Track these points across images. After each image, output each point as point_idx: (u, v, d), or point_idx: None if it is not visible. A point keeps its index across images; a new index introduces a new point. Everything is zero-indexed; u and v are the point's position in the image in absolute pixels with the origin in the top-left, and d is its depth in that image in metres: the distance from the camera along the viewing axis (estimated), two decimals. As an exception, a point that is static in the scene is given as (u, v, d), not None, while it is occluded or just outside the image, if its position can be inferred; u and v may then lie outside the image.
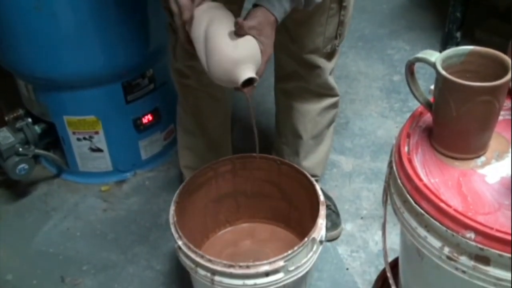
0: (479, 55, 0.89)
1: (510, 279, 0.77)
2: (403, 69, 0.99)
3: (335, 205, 1.73)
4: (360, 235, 1.71)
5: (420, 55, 0.91)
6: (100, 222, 1.80)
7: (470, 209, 0.82)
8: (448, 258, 0.81)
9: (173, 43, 1.45)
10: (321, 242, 1.28)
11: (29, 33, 1.61)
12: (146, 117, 1.88)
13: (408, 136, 0.95)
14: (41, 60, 1.66)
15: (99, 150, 1.87)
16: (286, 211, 1.55)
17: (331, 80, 1.55)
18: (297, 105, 1.59)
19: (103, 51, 1.67)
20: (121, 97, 1.79)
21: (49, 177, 1.97)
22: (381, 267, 1.51)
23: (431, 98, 0.95)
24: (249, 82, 1.06)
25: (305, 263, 1.24)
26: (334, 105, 1.62)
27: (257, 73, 1.07)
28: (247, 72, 1.05)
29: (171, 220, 1.31)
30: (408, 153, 0.92)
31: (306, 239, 1.24)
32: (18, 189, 1.92)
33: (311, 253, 1.26)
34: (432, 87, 0.92)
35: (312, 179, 1.41)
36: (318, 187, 1.38)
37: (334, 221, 1.68)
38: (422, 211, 0.84)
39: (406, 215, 0.88)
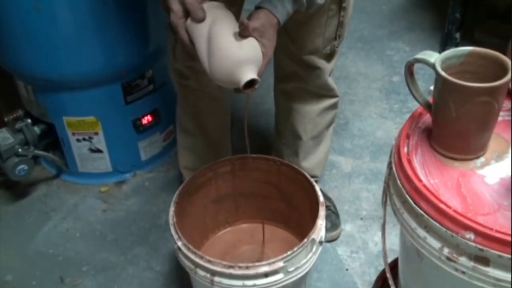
0: (479, 56, 0.89)
1: (510, 279, 0.77)
2: (402, 70, 0.99)
3: (334, 206, 1.74)
4: (359, 236, 1.71)
5: (420, 56, 0.91)
6: (99, 223, 1.80)
7: (469, 210, 0.82)
8: (448, 258, 0.81)
9: (172, 43, 1.45)
10: (320, 242, 1.28)
11: (28, 34, 1.61)
12: (146, 118, 1.88)
13: (408, 137, 0.95)
14: (41, 60, 1.66)
15: (98, 151, 1.87)
16: (286, 211, 1.55)
17: (331, 81, 1.55)
18: (297, 106, 1.59)
19: (103, 52, 1.67)
20: (121, 98, 1.79)
21: (49, 178, 1.97)
22: (380, 268, 1.51)
23: (430, 99, 0.95)
24: (250, 83, 1.06)
25: (304, 263, 1.24)
26: (334, 106, 1.62)
27: (257, 75, 1.08)
28: (250, 73, 1.04)
29: (170, 221, 1.31)
30: (408, 153, 0.92)
31: (305, 239, 1.24)
32: (17, 190, 1.92)
33: (310, 254, 1.26)
34: (432, 88, 0.92)
35: (312, 179, 1.41)
36: (317, 187, 1.38)
37: (333, 222, 1.69)
38: (422, 212, 0.84)
39: (406, 215, 0.88)
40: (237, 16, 1.35)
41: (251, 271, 1.19)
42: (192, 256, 1.23)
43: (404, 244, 1.01)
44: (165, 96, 1.89)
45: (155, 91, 1.86)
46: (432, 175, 0.88)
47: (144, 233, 1.76)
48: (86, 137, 1.83)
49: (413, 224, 0.86)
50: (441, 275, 0.84)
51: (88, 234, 1.77)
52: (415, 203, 0.85)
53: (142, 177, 1.96)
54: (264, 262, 1.19)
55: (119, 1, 1.62)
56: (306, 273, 1.27)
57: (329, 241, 1.67)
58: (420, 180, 0.86)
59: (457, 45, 2.34)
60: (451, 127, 0.89)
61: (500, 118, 0.91)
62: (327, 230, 1.40)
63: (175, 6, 1.07)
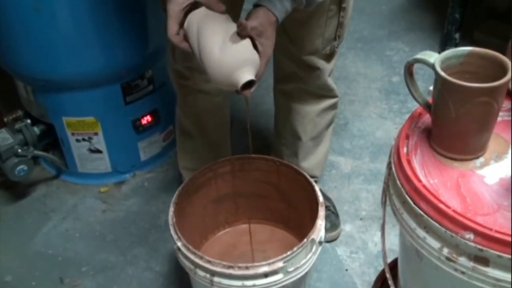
0: (478, 56, 0.89)
1: (509, 280, 0.77)
2: (402, 70, 0.99)
3: (334, 206, 1.74)
4: (359, 236, 1.71)
5: (419, 56, 0.91)
6: (99, 223, 1.80)
7: (469, 210, 0.82)
8: (447, 259, 0.81)
9: (172, 44, 1.45)
10: (320, 243, 1.28)
11: (28, 34, 1.61)
12: (145, 118, 1.88)
13: (407, 137, 0.95)
14: (40, 61, 1.66)
15: (98, 151, 1.87)
16: (285, 212, 1.55)
17: (330, 81, 1.55)
18: (296, 106, 1.59)
19: (102, 52, 1.67)
20: (120, 98, 1.79)
21: (48, 178, 1.97)
22: (380, 268, 1.51)
23: (430, 99, 0.95)
24: (248, 84, 1.06)
25: (304, 264, 1.24)
26: (333, 106, 1.62)
27: (256, 75, 1.07)
28: (246, 75, 1.04)
29: (170, 221, 1.31)
30: (407, 154, 0.92)
31: (305, 240, 1.24)
32: (17, 190, 1.92)
33: (310, 254, 1.26)
34: (431, 88, 0.92)
35: (311, 180, 1.41)
36: (317, 188, 1.38)
37: (333, 222, 1.69)
38: (421, 212, 0.84)
39: (405, 216, 0.88)
40: (237, 16, 1.35)
41: (250, 271, 1.19)
42: (191, 257, 1.23)
43: (403, 244, 1.01)
44: (164, 96, 1.89)
45: (154, 92, 1.86)
46: (432, 175, 0.88)
47: (143, 233, 1.76)
48: (86, 138, 1.83)
49: (413, 224, 0.86)
50: (441, 275, 0.84)
51: (87, 234, 1.77)
52: (414, 203, 0.85)
53: (141, 178, 1.96)
54: (263, 262, 1.19)
55: (118, 2, 1.62)
56: (306, 273, 1.27)
57: (328, 241, 1.67)
58: (419, 180, 0.86)
59: (456, 46, 2.34)
60: (451, 127, 0.89)
61: (499, 118, 0.91)
62: (326, 230, 1.40)
63: (171, 26, 1.08)
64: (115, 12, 1.63)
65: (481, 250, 0.77)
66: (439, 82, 0.87)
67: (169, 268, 1.65)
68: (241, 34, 1.05)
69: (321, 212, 1.31)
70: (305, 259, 1.24)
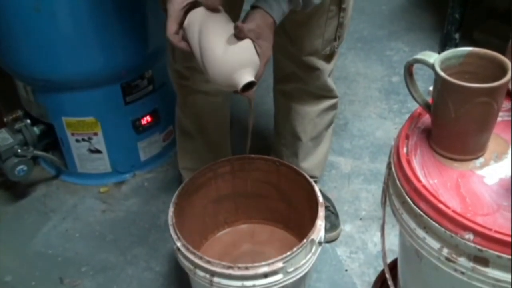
0: (478, 57, 0.89)
1: (509, 280, 0.77)
2: (402, 70, 0.99)
3: (334, 206, 1.73)
4: (359, 236, 1.71)
5: (419, 56, 0.91)
6: (99, 224, 1.80)
7: (469, 210, 0.82)
8: (447, 259, 0.81)
9: (170, 43, 1.45)
10: (320, 243, 1.28)
11: (28, 34, 1.61)
12: (145, 118, 1.88)
13: (407, 137, 0.96)
14: (40, 61, 1.66)
15: (98, 151, 1.87)
16: (285, 212, 1.55)
17: (330, 81, 1.55)
18: (296, 107, 1.59)
19: (102, 52, 1.67)
20: (120, 98, 1.79)
21: (48, 179, 1.97)
22: (380, 268, 1.51)
23: (429, 99, 0.95)
24: (248, 86, 1.06)
25: (304, 264, 1.24)
26: (333, 107, 1.62)
27: (256, 76, 1.07)
28: (246, 77, 1.04)
29: (170, 221, 1.31)
30: (407, 154, 0.92)
31: (305, 240, 1.24)
32: (17, 190, 1.92)
33: (310, 254, 1.26)
34: (431, 88, 0.92)
35: (311, 180, 1.41)
36: (317, 188, 1.38)
37: (333, 222, 1.68)
38: (421, 212, 0.84)
39: (405, 216, 0.88)
40: (236, 17, 1.35)
41: (250, 272, 1.19)
42: (191, 257, 1.23)
43: (403, 245, 1.01)
44: (164, 96, 1.89)
45: (154, 92, 1.86)
46: (432, 175, 0.88)
47: (143, 233, 1.76)
48: (86, 138, 1.83)
49: (412, 225, 0.86)
50: (441, 276, 0.84)
51: (87, 234, 1.77)
52: (414, 203, 0.85)
53: (141, 178, 1.96)
54: (263, 263, 1.19)
55: (118, 2, 1.62)
56: (306, 274, 1.27)
57: (328, 241, 1.67)
58: (419, 181, 0.86)
59: (456, 46, 2.34)
60: (450, 127, 0.89)
61: (499, 119, 0.92)
62: (326, 230, 1.40)
63: (171, 26, 1.08)
64: (115, 12, 1.63)
65: (480, 250, 0.77)
66: (439, 82, 0.87)
67: (169, 268, 1.65)
68: (238, 36, 1.05)
69: (321, 212, 1.31)
70: (304, 259, 1.24)
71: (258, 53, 1.07)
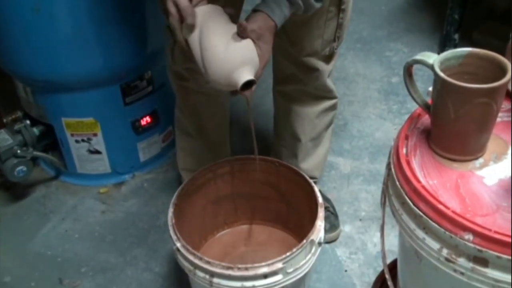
0: (477, 57, 0.89)
1: (509, 280, 0.77)
2: (401, 71, 0.99)
3: (333, 207, 1.73)
4: (358, 237, 1.71)
5: (418, 57, 0.91)
6: (98, 224, 1.80)
7: (468, 210, 0.82)
8: (447, 259, 0.81)
9: (171, 45, 1.45)
10: (319, 244, 1.28)
11: (27, 35, 1.61)
12: (145, 119, 1.88)
13: (407, 137, 0.96)
14: (40, 62, 1.66)
15: (97, 152, 1.87)
16: (285, 213, 1.55)
17: (330, 82, 1.55)
18: (296, 108, 1.59)
19: (102, 53, 1.67)
20: (120, 99, 1.79)
21: (48, 179, 1.97)
22: (379, 269, 1.51)
23: (429, 100, 0.95)
24: (248, 84, 1.06)
25: (303, 265, 1.24)
26: (333, 107, 1.62)
27: (254, 77, 1.08)
28: (246, 75, 1.05)
29: (169, 222, 1.31)
30: (407, 154, 0.92)
31: (304, 241, 1.24)
32: (16, 191, 1.91)
33: (309, 255, 1.26)
34: (430, 89, 0.92)
35: (311, 181, 1.41)
36: (316, 189, 1.38)
37: (332, 223, 1.68)
38: (421, 213, 0.84)
39: (405, 217, 0.88)
40: (236, 17, 1.35)
41: (250, 272, 1.19)
42: (191, 257, 1.23)
43: (403, 245, 1.01)
44: (164, 97, 1.89)
45: (154, 92, 1.86)
46: (431, 176, 0.88)
47: (143, 234, 1.76)
48: (85, 138, 1.83)
49: (412, 225, 0.86)
50: (440, 276, 0.84)
51: (87, 235, 1.77)
52: (414, 204, 0.85)
53: (141, 178, 1.96)
54: (263, 263, 1.19)
55: (117, 2, 1.62)
56: (305, 274, 1.27)
57: (328, 242, 1.67)
58: (419, 181, 0.86)
59: (455, 46, 2.34)
60: (450, 128, 0.89)
61: (498, 119, 0.92)
62: (326, 231, 1.40)
63: (172, 9, 1.07)
64: (114, 13, 1.63)
65: (480, 251, 0.77)
66: (438, 83, 0.87)
67: (169, 269, 1.64)
68: (241, 35, 1.05)
69: (321, 213, 1.31)
70: (304, 260, 1.24)
71: (257, 54, 1.07)
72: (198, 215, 1.50)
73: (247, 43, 1.06)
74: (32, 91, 1.80)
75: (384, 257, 1.06)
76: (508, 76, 0.84)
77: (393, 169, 0.92)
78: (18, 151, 1.77)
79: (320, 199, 1.35)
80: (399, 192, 0.89)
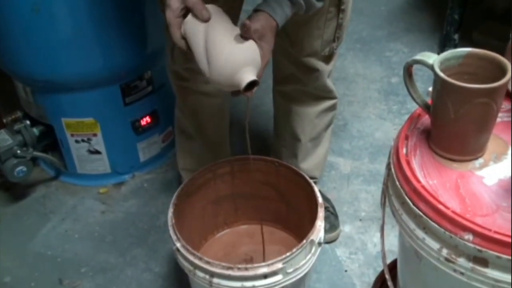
0: (477, 57, 0.89)
1: (509, 280, 0.77)
2: (401, 71, 0.99)
3: (333, 207, 1.74)
4: (358, 237, 1.71)
5: (418, 57, 0.91)
6: (98, 225, 1.80)
7: (468, 210, 0.82)
8: (446, 259, 0.81)
9: (171, 45, 1.45)
10: (319, 244, 1.28)
11: (27, 35, 1.61)
12: (145, 119, 1.88)
13: (406, 138, 0.96)
14: (40, 62, 1.66)
15: (97, 152, 1.87)
16: (285, 213, 1.55)
17: (329, 82, 1.55)
18: (296, 108, 1.59)
19: (101, 53, 1.67)
20: (120, 99, 1.79)
21: (47, 179, 1.97)
22: (379, 269, 1.51)
23: (429, 100, 0.95)
24: (250, 85, 1.06)
25: (303, 265, 1.24)
26: (332, 108, 1.62)
27: (256, 77, 1.07)
28: (249, 75, 1.04)
29: (169, 222, 1.31)
30: (406, 155, 0.92)
31: (304, 241, 1.24)
32: (16, 191, 1.91)
33: (309, 255, 1.26)
34: (430, 89, 0.92)
35: (311, 181, 1.41)
36: (316, 189, 1.38)
37: (332, 223, 1.69)
38: (420, 213, 0.84)
39: (404, 217, 0.88)
40: (236, 17, 1.35)
41: (250, 273, 1.19)
42: (191, 258, 1.23)
43: (402, 245, 1.01)
44: (164, 97, 1.90)
45: (154, 93, 1.86)
46: (431, 176, 0.88)
47: (142, 234, 1.76)
48: (85, 139, 1.83)
49: (412, 225, 0.86)
50: (440, 276, 0.84)
51: (86, 235, 1.77)
52: (413, 204, 0.85)
53: (140, 179, 1.96)
54: (263, 264, 1.19)
55: (117, 3, 1.62)
56: (305, 275, 1.27)
57: (328, 242, 1.67)
58: (418, 181, 0.86)
59: (455, 46, 2.34)
60: (450, 128, 0.89)
61: (498, 119, 0.92)
62: (326, 231, 1.40)
63: (174, 4, 1.06)
64: (114, 13, 1.63)
65: (480, 251, 0.77)
66: (438, 83, 0.87)
67: (168, 269, 1.64)
68: (245, 35, 1.05)
69: (320, 213, 1.31)
70: (304, 260, 1.24)
71: (259, 54, 1.07)
72: (198, 215, 1.50)
73: (250, 44, 1.06)
74: (32, 91, 1.80)
75: (384, 257, 1.06)
76: (508, 76, 0.84)
77: (393, 169, 0.92)
78: (18, 151, 1.77)
79: (320, 199, 1.35)
80: (399, 192, 0.89)
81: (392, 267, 1.11)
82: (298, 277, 1.24)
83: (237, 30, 1.07)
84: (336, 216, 1.72)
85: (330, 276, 1.60)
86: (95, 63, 1.68)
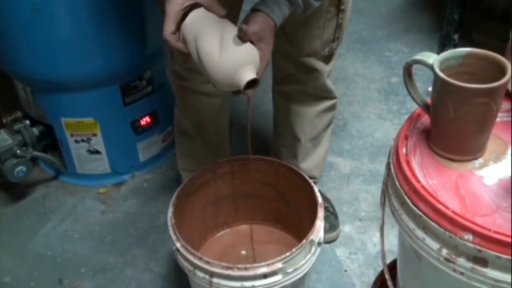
0: (477, 57, 0.89)
1: (508, 280, 0.77)
2: (401, 71, 0.99)
3: (333, 207, 1.74)
4: (358, 237, 1.71)
5: (418, 57, 0.91)
6: (98, 224, 1.80)
7: (468, 210, 0.82)
8: (446, 259, 0.81)
9: (167, 44, 1.44)
10: (319, 244, 1.28)
11: (27, 35, 1.61)
12: (144, 119, 1.88)
13: (406, 138, 0.96)
14: (39, 62, 1.66)
15: (97, 152, 1.87)
16: (284, 213, 1.55)
17: (329, 82, 1.55)
18: (295, 108, 1.59)
19: (101, 53, 1.67)
20: (119, 99, 1.79)
21: (47, 179, 1.97)
22: (379, 269, 1.51)
23: (429, 100, 0.95)
24: (251, 84, 1.06)
25: (303, 265, 1.24)
26: (332, 108, 1.62)
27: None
28: (249, 74, 1.04)
29: (169, 222, 1.31)
30: (406, 154, 0.92)
31: (304, 241, 1.24)
32: (16, 191, 1.91)
33: (309, 255, 1.26)
34: (430, 89, 0.92)
35: (310, 181, 1.41)
36: (316, 189, 1.38)
37: (332, 223, 1.69)
38: (420, 213, 0.84)
39: (404, 216, 0.88)
40: (235, 17, 1.35)
41: (249, 272, 1.19)
42: (190, 258, 1.23)
43: (402, 245, 1.01)
44: (163, 97, 1.89)
45: (153, 92, 1.86)
46: (431, 176, 0.88)
47: (142, 234, 1.76)
48: (85, 138, 1.83)
49: (412, 225, 0.86)
50: (440, 276, 0.84)
51: (86, 235, 1.77)
52: (413, 204, 0.85)
53: (140, 179, 1.96)
54: (262, 263, 1.19)
55: (117, 3, 1.62)
56: (305, 274, 1.27)
57: (327, 242, 1.67)
58: (418, 181, 0.86)
59: (455, 46, 2.34)
60: (450, 128, 0.89)
61: (498, 119, 0.92)
62: (325, 231, 1.40)
63: (168, 26, 1.07)
64: (114, 13, 1.63)
65: (480, 250, 0.77)
66: (438, 83, 0.87)
67: (168, 269, 1.64)
68: (243, 39, 1.05)
69: (320, 213, 1.31)
70: (304, 260, 1.24)
71: (259, 55, 1.07)
72: (198, 215, 1.50)
73: (248, 45, 1.06)
74: (31, 91, 1.80)
75: (383, 257, 1.06)
76: (507, 76, 0.84)
77: (392, 169, 0.92)
78: (18, 151, 1.77)
79: (319, 199, 1.35)
80: (399, 192, 0.89)
81: (392, 267, 1.11)
82: (298, 277, 1.24)
83: (232, 28, 1.07)
84: (336, 216, 1.72)
85: (330, 276, 1.60)
86: (95, 63, 1.68)
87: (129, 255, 1.70)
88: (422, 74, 2.09)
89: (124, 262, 1.68)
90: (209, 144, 1.66)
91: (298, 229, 1.47)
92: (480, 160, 0.91)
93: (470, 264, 0.79)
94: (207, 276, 1.21)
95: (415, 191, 0.85)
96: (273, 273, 1.20)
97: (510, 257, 0.75)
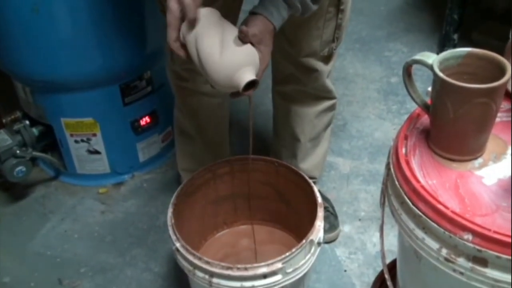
0: (477, 57, 0.89)
1: (508, 280, 0.77)
2: (400, 71, 0.99)
3: (333, 207, 1.74)
4: (358, 237, 1.71)
5: (418, 57, 0.91)
6: (98, 225, 1.80)
7: (467, 210, 0.82)
8: (446, 259, 0.81)
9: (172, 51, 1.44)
10: (319, 244, 1.28)
11: (27, 35, 1.61)
12: (144, 119, 1.88)
13: (406, 138, 0.96)
14: (39, 62, 1.66)
15: (96, 152, 1.87)
16: (284, 213, 1.55)
17: (329, 82, 1.55)
18: (295, 108, 1.59)
19: (101, 53, 1.67)
20: (119, 99, 1.79)
21: (47, 180, 1.97)
22: (379, 269, 1.51)
23: (428, 100, 0.95)
24: (250, 85, 1.06)
25: (303, 265, 1.24)
26: (332, 108, 1.62)
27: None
28: (248, 75, 1.04)
29: (169, 222, 1.31)
30: (406, 154, 0.92)
31: (304, 241, 1.24)
32: (15, 191, 1.91)
33: (309, 255, 1.26)
34: (430, 89, 0.92)
35: (310, 181, 1.41)
36: (316, 189, 1.38)
37: (332, 223, 1.69)
38: (420, 213, 0.84)
39: (404, 216, 0.88)
40: (235, 17, 1.35)
41: (249, 272, 1.19)
42: (190, 258, 1.23)
43: (402, 245, 1.01)
44: (163, 97, 1.89)
45: (153, 93, 1.86)
46: (430, 176, 0.89)
47: (142, 234, 1.76)
48: (84, 139, 1.83)
49: (411, 225, 0.86)
50: (439, 276, 0.84)
51: (86, 235, 1.77)
52: (413, 204, 0.85)
53: (140, 179, 1.96)
54: (262, 263, 1.19)
55: (117, 3, 1.62)
56: (305, 274, 1.27)
57: (327, 242, 1.67)
58: (418, 181, 0.86)
59: (455, 46, 2.34)
60: (449, 128, 0.89)
61: (498, 119, 0.92)
62: (325, 231, 1.40)
63: (173, 5, 1.06)
64: (114, 13, 1.63)
65: (479, 250, 0.77)
66: (438, 83, 0.87)
67: (168, 269, 1.64)
68: (243, 40, 1.05)
69: (320, 213, 1.31)
70: (304, 260, 1.25)
71: (258, 57, 1.07)
72: (198, 215, 1.50)
73: (248, 46, 1.06)
74: (31, 91, 1.80)
75: (383, 257, 1.06)
76: (507, 76, 0.84)
77: (392, 169, 0.92)
78: (18, 151, 1.77)
79: (319, 199, 1.35)
80: (398, 192, 0.89)
81: (392, 267, 1.11)
82: (298, 277, 1.24)
83: (235, 32, 1.07)
84: (335, 216, 1.72)
85: (330, 276, 1.60)
86: (94, 63, 1.68)
87: (129, 255, 1.70)
88: (422, 74, 2.09)
89: (124, 262, 1.68)
90: (209, 144, 1.66)
91: (298, 229, 1.47)
92: (480, 160, 0.91)
93: (469, 264, 0.79)
94: (206, 276, 1.21)
95: (414, 191, 0.85)
96: (273, 273, 1.20)
97: (510, 257, 0.75)
